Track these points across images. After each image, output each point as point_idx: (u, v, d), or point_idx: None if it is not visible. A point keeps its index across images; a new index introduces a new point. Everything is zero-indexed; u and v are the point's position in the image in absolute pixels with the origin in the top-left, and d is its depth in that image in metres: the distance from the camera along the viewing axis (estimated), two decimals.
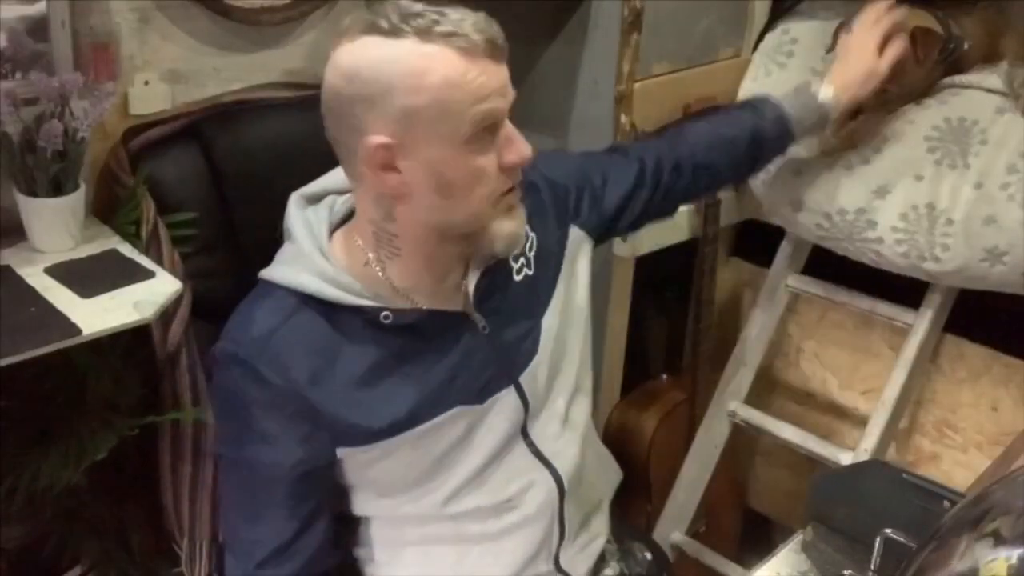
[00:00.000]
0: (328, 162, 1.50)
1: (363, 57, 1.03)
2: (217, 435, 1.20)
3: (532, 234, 1.25)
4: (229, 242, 1.45)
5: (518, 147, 1.08)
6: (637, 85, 1.74)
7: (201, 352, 1.38)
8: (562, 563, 1.29)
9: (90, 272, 1.28)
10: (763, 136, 1.49)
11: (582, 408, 1.32)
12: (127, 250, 1.33)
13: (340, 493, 1.22)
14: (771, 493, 2.32)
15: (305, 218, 1.17)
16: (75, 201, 1.30)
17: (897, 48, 1.56)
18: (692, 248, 2.02)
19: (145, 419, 1.33)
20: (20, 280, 1.25)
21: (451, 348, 1.17)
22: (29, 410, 1.32)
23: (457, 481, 1.19)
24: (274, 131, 1.49)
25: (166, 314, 1.31)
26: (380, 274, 1.13)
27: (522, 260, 1.24)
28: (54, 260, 1.30)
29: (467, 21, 1.03)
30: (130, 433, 1.31)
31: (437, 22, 1.02)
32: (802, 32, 1.85)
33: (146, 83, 1.43)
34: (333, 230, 1.18)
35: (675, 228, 1.96)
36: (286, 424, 1.11)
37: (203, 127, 1.44)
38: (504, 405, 1.20)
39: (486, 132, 1.06)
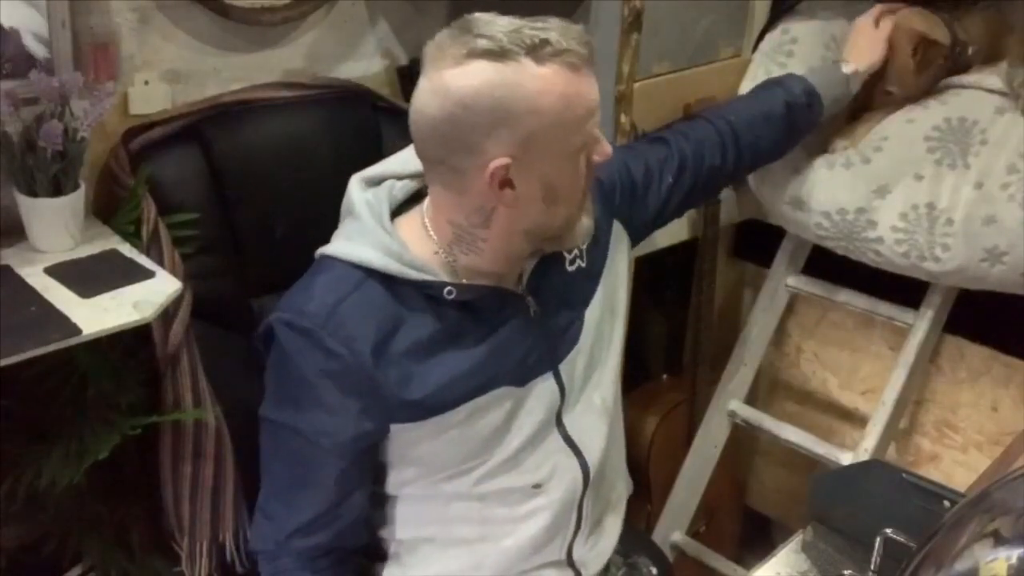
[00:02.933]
0: (327, 162, 1.51)
1: (481, 84, 1.04)
2: (268, 399, 1.21)
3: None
4: (229, 242, 1.45)
5: (603, 146, 1.12)
6: (637, 85, 1.74)
7: (202, 353, 1.38)
8: (574, 556, 1.31)
9: (90, 272, 1.28)
10: (796, 107, 1.54)
11: (616, 403, 1.35)
12: (127, 250, 1.33)
13: (378, 469, 1.24)
14: (771, 493, 2.32)
15: (366, 199, 1.19)
16: (75, 201, 1.30)
17: (889, 21, 1.66)
18: (692, 248, 2.02)
19: (146, 419, 1.33)
20: (20, 280, 1.25)
21: (502, 326, 1.20)
22: (30, 410, 1.32)
23: (495, 462, 1.22)
24: (274, 131, 1.49)
25: (167, 314, 1.31)
26: (451, 264, 1.17)
27: (575, 251, 1.27)
28: (54, 260, 1.29)
29: (567, 34, 1.05)
30: (131, 433, 1.31)
31: (546, 41, 1.04)
32: (802, 32, 1.85)
33: (146, 83, 1.43)
34: (392, 213, 1.21)
35: (675, 228, 1.96)
36: (347, 395, 1.14)
37: (203, 127, 1.44)
38: (543, 389, 1.23)
39: (589, 138, 1.11)
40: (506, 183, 1.08)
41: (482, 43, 1.03)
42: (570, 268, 1.26)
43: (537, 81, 1.04)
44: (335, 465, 1.17)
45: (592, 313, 1.29)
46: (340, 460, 1.17)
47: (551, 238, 1.17)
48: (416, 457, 1.21)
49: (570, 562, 1.30)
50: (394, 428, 1.17)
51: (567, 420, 1.27)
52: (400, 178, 1.23)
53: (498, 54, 1.03)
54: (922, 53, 1.65)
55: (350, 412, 1.14)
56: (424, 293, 1.15)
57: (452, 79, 1.05)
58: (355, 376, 1.13)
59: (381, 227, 1.16)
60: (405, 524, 1.27)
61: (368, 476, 1.22)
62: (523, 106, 1.04)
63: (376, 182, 1.23)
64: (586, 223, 1.17)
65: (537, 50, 1.04)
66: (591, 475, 1.28)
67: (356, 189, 1.21)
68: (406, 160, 1.22)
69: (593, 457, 1.28)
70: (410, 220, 1.20)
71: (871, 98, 1.70)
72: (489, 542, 1.25)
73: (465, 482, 1.22)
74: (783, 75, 1.62)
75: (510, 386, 1.20)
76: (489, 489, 1.22)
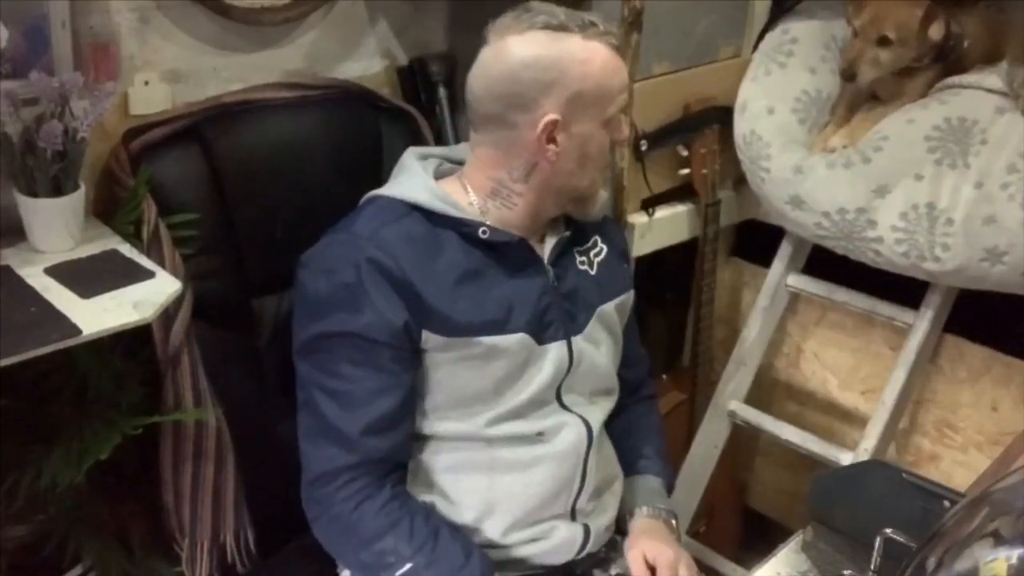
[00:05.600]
0: (327, 162, 1.51)
1: (541, 48, 1.24)
2: (311, 321, 1.27)
3: (603, 245, 1.43)
4: (229, 242, 1.45)
5: (624, 129, 1.34)
6: (637, 85, 1.74)
7: (202, 353, 1.38)
8: (577, 508, 1.35)
9: (90, 272, 1.28)
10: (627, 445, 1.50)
11: (607, 404, 1.44)
12: (127, 250, 1.33)
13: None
14: (771, 493, 2.32)
15: (419, 163, 1.36)
16: (75, 201, 1.30)
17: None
18: (692, 248, 2.02)
19: (147, 419, 1.33)
20: (20, 280, 1.25)
21: (526, 280, 1.32)
22: (30, 410, 1.32)
23: (503, 409, 1.30)
24: (274, 131, 1.49)
25: (167, 315, 1.31)
26: (483, 214, 1.30)
27: (584, 257, 1.40)
28: (54, 260, 1.29)
29: (606, 22, 1.27)
30: (132, 433, 1.31)
31: (593, 23, 1.25)
32: (802, 32, 1.85)
33: (146, 83, 1.43)
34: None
35: (675, 228, 1.96)
36: (389, 292, 1.24)
37: (203, 127, 1.44)
38: (555, 353, 1.33)
39: (616, 115, 1.29)
40: (552, 139, 1.25)
41: (542, 18, 1.24)
42: (580, 268, 1.38)
43: (586, 51, 1.24)
44: (388, 358, 1.25)
45: (600, 312, 1.39)
46: (391, 351, 1.25)
47: (576, 199, 1.33)
48: (436, 382, 1.29)
49: (574, 517, 1.36)
50: (425, 335, 1.26)
51: (565, 395, 1.35)
52: (449, 160, 1.39)
53: (556, 27, 1.24)
54: (927, 11, 1.65)
55: (395, 305, 1.23)
56: (459, 232, 1.28)
57: (515, 44, 1.24)
58: (396, 277, 1.24)
59: (428, 177, 1.32)
60: (415, 470, 1.33)
61: (414, 386, 1.29)
62: (574, 69, 1.23)
63: (426, 158, 1.38)
64: (604, 197, 1.36)
65: (586, 28, 1.25)
66: (594, 433, 1.35)
67: (410, 155, 1.37)
68: (457, 150, 1.42)
69: (593, 421, 1.36)
70: (449, 180, 1.35)
71: (862, 55, 1.69)
72: (498, 490, 1.32)
73: (475, 423, 1.30)
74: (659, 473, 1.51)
75: (528, 336, 1.29)
76: (496, 433, 1.31)
